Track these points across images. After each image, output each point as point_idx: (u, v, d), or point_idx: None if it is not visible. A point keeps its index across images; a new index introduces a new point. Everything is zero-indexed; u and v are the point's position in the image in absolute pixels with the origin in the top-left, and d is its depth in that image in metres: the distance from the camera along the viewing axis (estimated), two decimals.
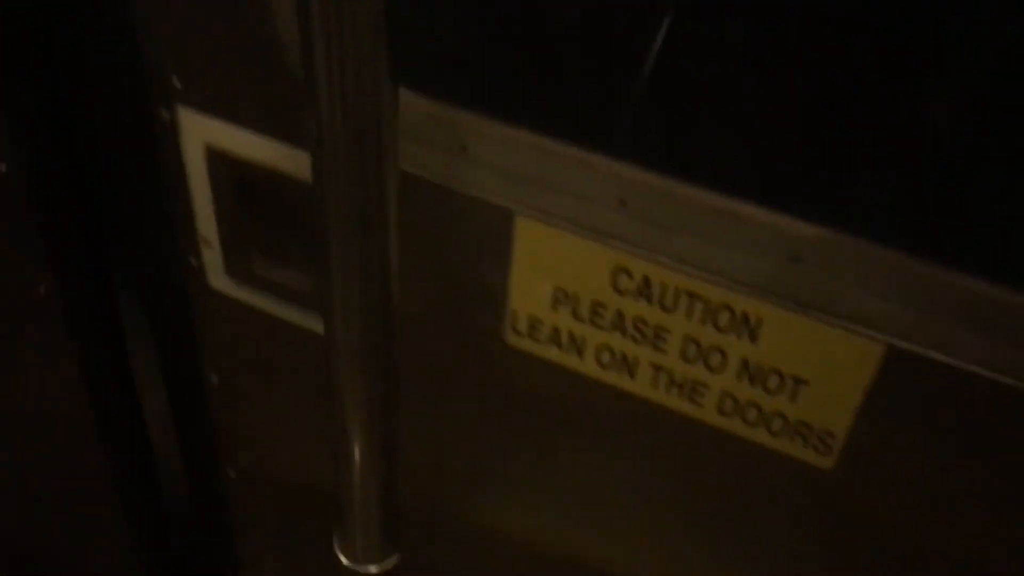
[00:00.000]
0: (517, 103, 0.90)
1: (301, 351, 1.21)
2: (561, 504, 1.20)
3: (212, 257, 1.17)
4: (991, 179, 0.82)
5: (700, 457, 1.03)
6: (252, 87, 1.00)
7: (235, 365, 1.30)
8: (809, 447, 0.94)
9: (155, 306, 1.33)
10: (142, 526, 1.59)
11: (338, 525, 0.99)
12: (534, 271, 0.98)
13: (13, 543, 1.72)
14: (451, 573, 1.37)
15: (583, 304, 0.97)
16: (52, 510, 1.63)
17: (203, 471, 1.50)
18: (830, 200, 0.85)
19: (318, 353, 0.88)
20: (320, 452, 1.01)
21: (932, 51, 0.78)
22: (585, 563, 1.23)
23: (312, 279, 1.14)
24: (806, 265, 0.86)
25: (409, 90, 0.91)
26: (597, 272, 0.94)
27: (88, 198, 1.22)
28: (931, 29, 0.76)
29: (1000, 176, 0.81)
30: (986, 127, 0.82)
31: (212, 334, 1.27)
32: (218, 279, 1.19)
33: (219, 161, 1.07)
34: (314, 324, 1.11)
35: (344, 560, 1.00)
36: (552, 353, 1.02)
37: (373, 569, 1.01)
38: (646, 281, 0.93)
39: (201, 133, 1.05)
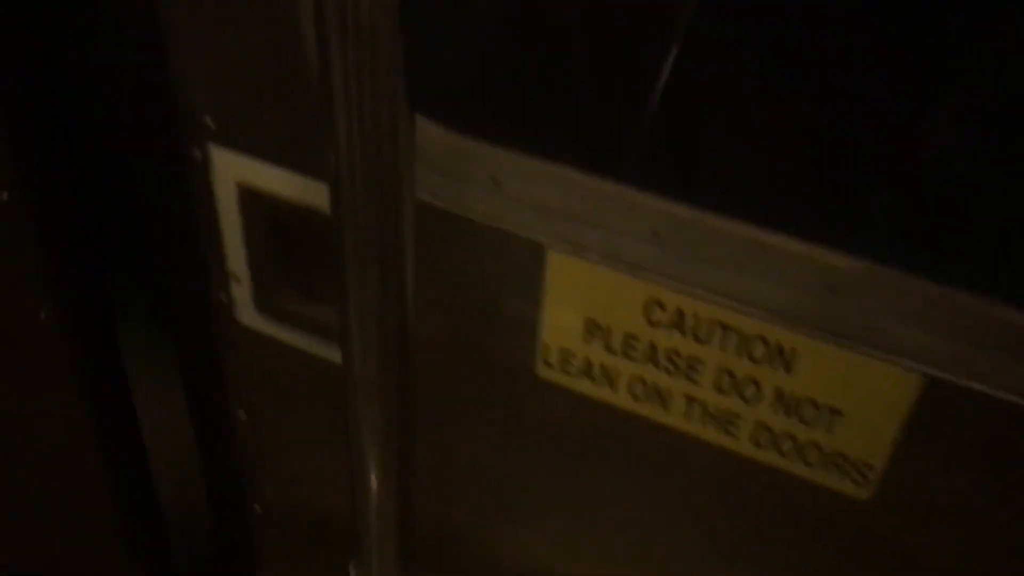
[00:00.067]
0: (549, 137, 0.91)
1: (329, 386, 1.21)
2: (591, 536, 1.19)
3: (241, 293, 1.18)
4: None
5: (735, 489, 1.02)
6: (284, 125, 1.01)
7: (263, 400, 1.30)
8: (846, 478, 0.93)
9: (183, 342, 1.33)
10: (142, 551, 1.59)
11: (355, 552, 0.99)
12: (566, 304, 0.98)
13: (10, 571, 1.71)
14: None
15: (616, 336, 0.98)
16: (52, 538, 1.62)
17: (229, 507, 1.49)
18: (865, 231, 0.85)
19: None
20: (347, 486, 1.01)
21: (979, 83, 0.78)
22: None
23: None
24: (842, 296, 0.86)
25: (441, 125, 0.92)
26: (630, 304, 0.95)
27: (91, 225, 1.23)
28: (976, 58, 0.77)
29: None
30: None
31: (240, 369, 1.27)
32: (247, 315, 1.19)
33: (250, 198, 1.07)
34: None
35: None
36: (584, 385, 1.02)
37: None
38: (679, 313, 0.93)
39: (233, 171, 1.06)
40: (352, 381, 0.87)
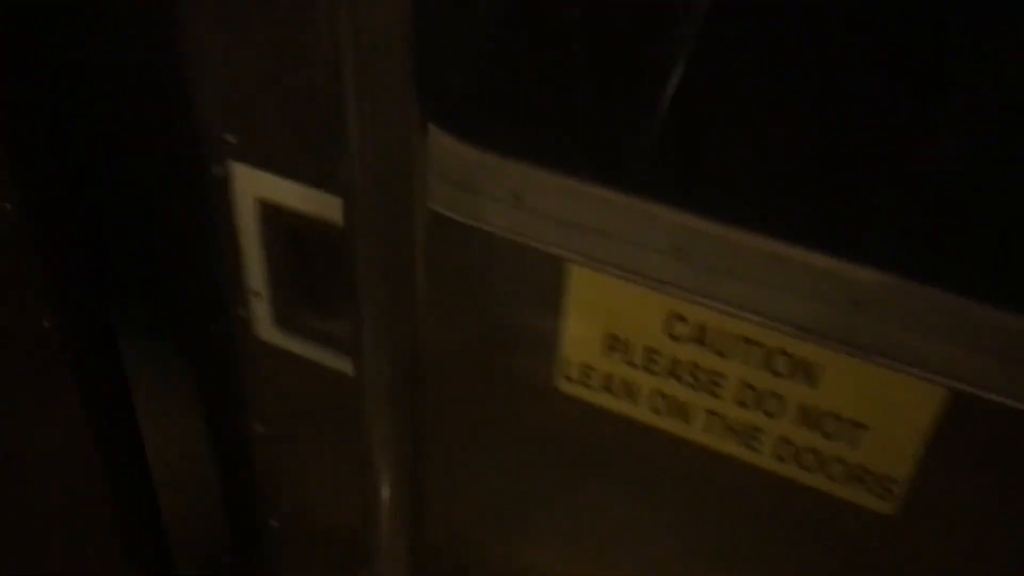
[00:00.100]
0: (571, 152, 0.91)
1: (347, 401, 1.22)
2: (609, 550, 1.19)
3: (260, 308, 1.18)
4: None
5: (756, 503, 1.02)
6: (303, 141, 1.02)
7: (281, 414, 1.30)
8: (870, 492, 0.93)
9: (200, 357, 1.33)
10: (141, 556, 1.58)
11: (366, 562, 0.99)
12: (587, 318, 0.98)
13: None
14: None
15: (636, 350, 0.97)
16: (51, 544, 1.62)
17: (245, 522, 1.49)
18: (888, 243, 0.85)
19: None
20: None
21: (1010, 93, 0.78)
22: None
23: None
24: (865, 309, 0.85)
25: (463, 140, 0.92)
26: (651, 318, 0.95)
27: (95, 232, 1.24)
28: (1006, 68, 0.77)
29: None
30: None
31: (258, 384, 1.27)
32: (266, 330, 1.19)
33: (271, 214, 1.08)
34: None
35: None
36: (604, 399, 1.02)
37: None
38: (701, 327, 0.93)
39: (253, 187, 1.06)
40: (362, 391, 0.88)
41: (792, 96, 0.83)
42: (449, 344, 1.08)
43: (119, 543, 1.51)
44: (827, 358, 0.89)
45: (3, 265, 1.18)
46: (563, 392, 1.04)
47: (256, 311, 1.18)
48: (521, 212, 0.93)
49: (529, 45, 0.93)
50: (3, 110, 1.06)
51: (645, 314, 0.94)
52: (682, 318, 0.93)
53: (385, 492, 1.00)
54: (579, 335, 0.99)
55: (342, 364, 1.18)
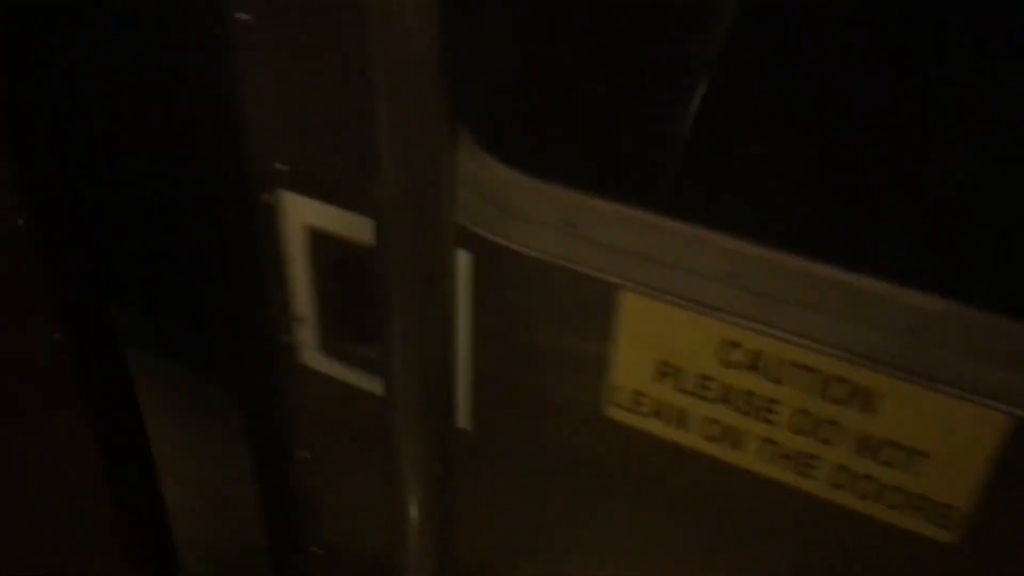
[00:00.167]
0: (624, 180, 0.91)
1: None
2: None
3: (306, 335, 1.18)
4: None
5: (811, 531, 1.01)
6: (351, 168, 1.02)
7: (325, 441, 1.30)
8: (929, 521, 0.92)
9: (245, 384, 1.33)
10: (147, 566, 1.58)
11: None
12: (638, 344, 0.97)
13: None
14: None
15: (688, 377, 0.97)
16: (58, 555, 1.62)
17: (288, 548, 1.49)
18: (947, 270, 0.84)
19: None
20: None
21: None
22: None
23: None
24: (923, 336, 0.85)
25: (516, 168, 0.92)
26: (704, 345, 0.94)
27: (101, 252, 1.26)
28: None
29: None
30: None
31: (303, 411, 1.27)
32: (312, 356, 1.20)
33: (318, 241, 1.08)
34: None
35: None
36: (654, 426, 1.02)
37: None
38: (756, 354, 0.92)
39: (302, 214, 1.06)
40: (392, 409, 0.89)
41: (850, 128, 0.83)
42: (496, 370, 1.08)
43: (123, 549, 1.51)
44: (885, 385, 0.88)
45: (16, 279, 1.20)
46: (611, 418, 1.03)
47: (302, 337, 1.18)
48: (574, 239, 0.93)
49: (581, 76, 0.93)
50: (17, 124, 1.08)
51: (698, 341, 0.94)
52: (736, 344, 0.92)
53: (413, 511, 1.00)
54: (630, 361, 0.99)
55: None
